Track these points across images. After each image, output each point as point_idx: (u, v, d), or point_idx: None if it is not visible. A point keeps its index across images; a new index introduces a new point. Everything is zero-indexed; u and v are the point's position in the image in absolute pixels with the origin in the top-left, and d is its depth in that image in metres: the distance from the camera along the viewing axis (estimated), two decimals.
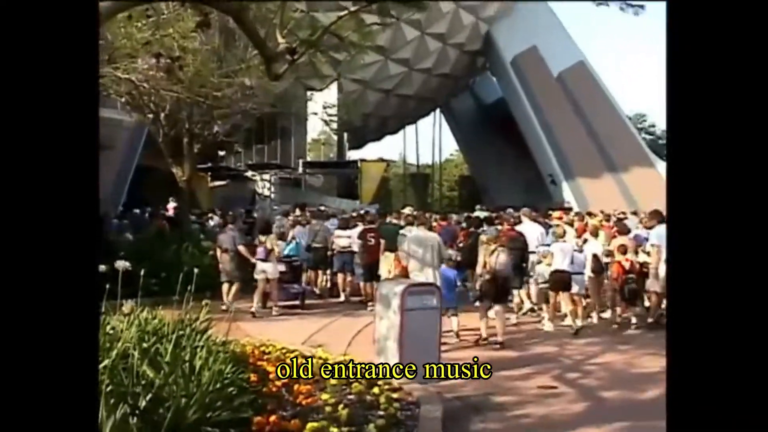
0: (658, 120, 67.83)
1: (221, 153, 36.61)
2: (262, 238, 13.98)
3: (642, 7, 6.15)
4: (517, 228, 13.89)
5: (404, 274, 11.49)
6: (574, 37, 43.48)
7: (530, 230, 13.88)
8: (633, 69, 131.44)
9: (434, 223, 16.86)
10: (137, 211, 24.67)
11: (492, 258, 10.98)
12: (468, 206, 39.16)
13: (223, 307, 12.47)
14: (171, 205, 24.03)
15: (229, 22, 12.91)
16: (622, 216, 18.78)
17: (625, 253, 12.36)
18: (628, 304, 12.48)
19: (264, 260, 13.59)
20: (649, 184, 36.15)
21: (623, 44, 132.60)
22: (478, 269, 11.23)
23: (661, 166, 40.22)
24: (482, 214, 18.31)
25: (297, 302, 14.69)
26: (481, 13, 41.54)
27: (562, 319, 12.46)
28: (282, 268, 14.24)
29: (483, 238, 11.87)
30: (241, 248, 13.94)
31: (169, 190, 20.84)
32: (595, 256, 12.57)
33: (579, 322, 12.12)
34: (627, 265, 12.17)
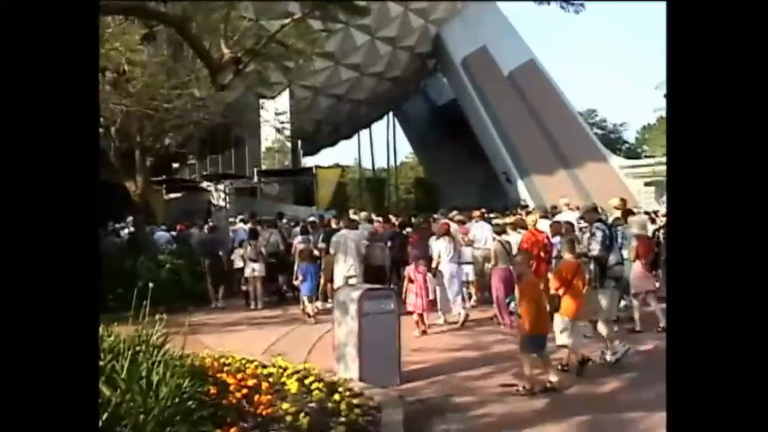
0: (609, 114, 68.76)
1: (175, 165, 36.14)
2: (252, 242, 16.28)
3: (582, 5, 6.19)
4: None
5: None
6: (522, 35, 43.91)
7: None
8: (582, 64, 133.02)
9: (377, 225, 18.13)
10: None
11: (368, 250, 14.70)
12: (425, 208, 39.31)
13: (218, 304, 16.17)
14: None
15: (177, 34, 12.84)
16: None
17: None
18: None
19: (254, 260, 15.86)
20: (603, 177, 36.65)
21: (571, 41, 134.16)
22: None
23: (614, 160, 40.80)
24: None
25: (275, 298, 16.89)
26: (430, 15, 41.77)
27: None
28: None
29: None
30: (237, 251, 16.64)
31: (123, 204, 20.53)
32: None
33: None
34: None
